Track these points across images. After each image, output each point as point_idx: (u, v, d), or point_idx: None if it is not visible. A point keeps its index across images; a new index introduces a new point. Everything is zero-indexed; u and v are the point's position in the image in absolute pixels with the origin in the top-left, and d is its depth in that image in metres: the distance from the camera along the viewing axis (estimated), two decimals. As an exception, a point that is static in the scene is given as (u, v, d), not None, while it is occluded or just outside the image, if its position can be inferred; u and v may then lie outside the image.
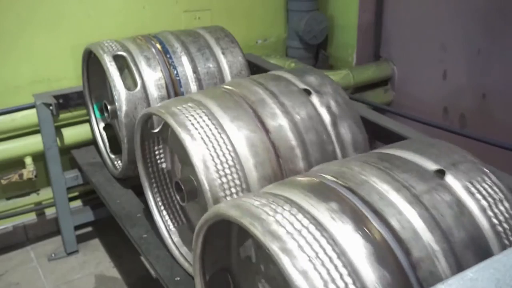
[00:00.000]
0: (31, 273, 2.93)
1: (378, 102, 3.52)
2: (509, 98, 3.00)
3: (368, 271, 1.13)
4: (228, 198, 1.59)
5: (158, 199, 2.12)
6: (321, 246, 1.13)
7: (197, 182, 1.73)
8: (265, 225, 1.16)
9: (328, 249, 1.13)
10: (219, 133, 1.68)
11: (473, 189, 1.39)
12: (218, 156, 1.63)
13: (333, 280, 1.09)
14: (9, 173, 2.85)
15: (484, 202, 1.37)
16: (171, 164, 2.10)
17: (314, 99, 1.90)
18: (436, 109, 3.42)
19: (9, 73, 2.89)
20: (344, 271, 1.11)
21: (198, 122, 1.71)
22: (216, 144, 1.65)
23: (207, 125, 1.70)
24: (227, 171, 1.62)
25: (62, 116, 2.83)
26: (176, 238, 2.04)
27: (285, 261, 1.08)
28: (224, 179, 1.61)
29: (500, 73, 3.02)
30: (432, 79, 3.44)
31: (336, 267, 1.11)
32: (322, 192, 1.32)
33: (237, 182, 1.62)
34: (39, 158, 2.95)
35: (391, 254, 1.18)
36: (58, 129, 2.89)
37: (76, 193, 3.21)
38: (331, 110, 1.89)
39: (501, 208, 1.37)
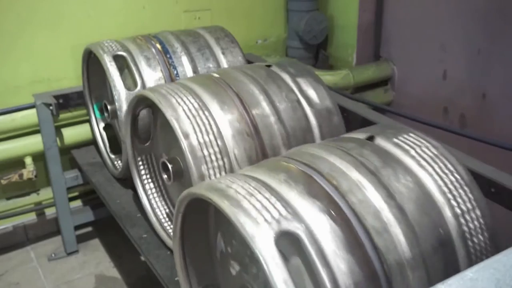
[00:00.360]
0: (31, 273, 2.93)
1: (378, 102, 3.52)
2: (509, 98, 2.99)
3: (301, 203, 1.26)
4: (205, 150, 1.74)
5: (153, 201, 2.16)
6: (255, 188, 1.28)
7: (181, 158, 1.87)
8: (210, 184, 1.36)
9: (262, 189, 1.28)
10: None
11: (400, 143, 1.52)
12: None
13: (265, 208, 1.21)
14: (9, 173, 2.85)
15: (412, 151, 1.48)
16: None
17: (275, 68, 2.12)
18: (436, 109, 3.42)
19: (9, 73, 2.89)
20: (278, 204, 1.23)
21: (174, 91, 1.89)
22: (186, 99, 1.84)
23: (179, 89, 1.90)
24: (198, 120, 1.78)
25: (62, 116, 2.83)
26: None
27: (224, 204, 1.23)
28: (197, 128, 1.77)
29: (500, 73, 3.02)
30: (432, 79, 3.44)
31: (269, 200, 1.24)
32: (267, 163, 1.52)
33: (208, 128, 1.78)
34: (39, 158, 2.95)
35: (321, 189, 1.33)
36: (58, 129, 2.89)
37: (76, 193, 3.21)
38: (290, 72, 2.08)
39: (428, 152, 1.48)
